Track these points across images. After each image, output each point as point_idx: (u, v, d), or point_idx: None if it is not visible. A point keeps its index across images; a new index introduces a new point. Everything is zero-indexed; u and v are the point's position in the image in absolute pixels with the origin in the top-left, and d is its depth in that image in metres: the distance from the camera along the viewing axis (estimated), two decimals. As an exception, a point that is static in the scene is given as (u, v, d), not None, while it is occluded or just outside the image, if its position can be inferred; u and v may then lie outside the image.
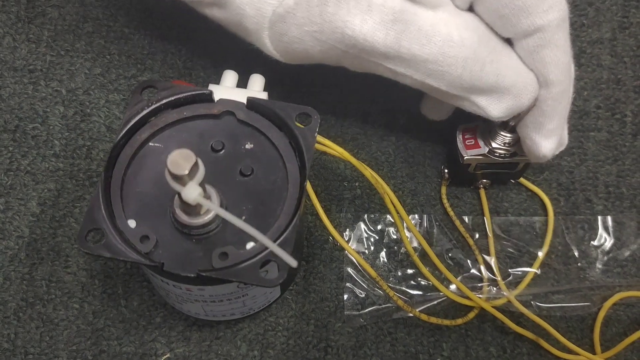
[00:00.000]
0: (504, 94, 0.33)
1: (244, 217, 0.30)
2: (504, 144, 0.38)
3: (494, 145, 0.38)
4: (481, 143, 0.39)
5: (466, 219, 0.41)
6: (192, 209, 0.28)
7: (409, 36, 0.31)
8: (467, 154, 0.38)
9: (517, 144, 0.38)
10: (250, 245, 0.28)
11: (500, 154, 0.38)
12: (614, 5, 0.48)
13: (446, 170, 0.41)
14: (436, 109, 0.40)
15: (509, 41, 0.33)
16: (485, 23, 0.33)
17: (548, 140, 0.35)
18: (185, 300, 0.33)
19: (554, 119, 0.35)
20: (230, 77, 0.37)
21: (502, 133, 0.38)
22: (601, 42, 0.47)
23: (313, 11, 0.31)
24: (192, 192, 0.25)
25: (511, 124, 0.37)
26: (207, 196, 0.28)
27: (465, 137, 0.39)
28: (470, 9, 0.33)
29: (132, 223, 0.29)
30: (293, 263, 0.25)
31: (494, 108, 0.34)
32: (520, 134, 0.37)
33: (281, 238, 0.28)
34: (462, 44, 0.31)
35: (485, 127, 0.39)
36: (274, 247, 0.25)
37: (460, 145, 0.39)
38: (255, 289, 0.32)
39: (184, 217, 0.28)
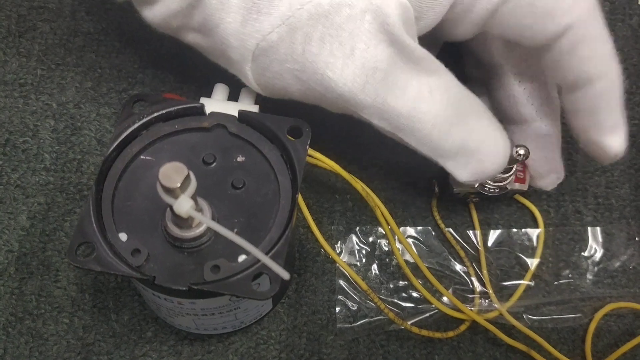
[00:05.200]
0: (469, 158, 0.33)
1: (235, 230, 0.30)
2: (496, 181, 0.38)
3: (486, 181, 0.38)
4: None
5: (457, 231, 0.41)
6: (183, 222, 0.28)
7: (385, 86, 0.30)
8: (458, 186, 0.38)
9: (508, 181, 0.38)
10: (242, 258, 0.28)
11: (490, 189, 0.38)
12: (600, 19, 0.48)
13: (436, 185, 0.41)
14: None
15: (539, 50, 0.32)
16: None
17: (613, 136, 0.33)
18: (176, 314, 0.33)
19: (611, 113, 0.33)
20: (221, 90, 0.38)
21: None
22: (589, 56, 0.47)
23: (296, 48, 0.30)
24: (184, 205, 0.25)
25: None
26: (198, 209, 0.28)
27: None
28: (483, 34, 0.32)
29: (123, 236, 0.29)
30: (285, 275, 0.25)
31: (461, 173, 0.33)
32: (581, 143, 0.35)
33: (273, 250, 0.28)
34: (433, 101, 0.31)
35: None
36: (266, 260, 0.25)
37: (451, 176, 0.38)
38: (247, 301, 0.32)
39: (175, 230, 0.28)
